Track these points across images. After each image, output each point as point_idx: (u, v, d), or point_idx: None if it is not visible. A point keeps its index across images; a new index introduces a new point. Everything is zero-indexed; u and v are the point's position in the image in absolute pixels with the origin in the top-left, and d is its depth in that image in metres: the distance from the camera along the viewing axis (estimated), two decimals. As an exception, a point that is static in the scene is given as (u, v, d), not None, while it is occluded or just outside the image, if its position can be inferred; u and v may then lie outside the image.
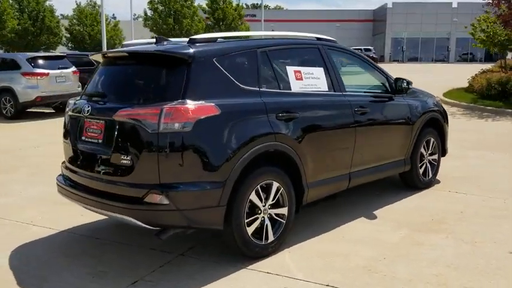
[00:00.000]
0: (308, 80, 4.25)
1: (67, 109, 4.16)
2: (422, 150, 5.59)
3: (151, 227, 3.38)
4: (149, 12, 38.24)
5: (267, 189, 3.77)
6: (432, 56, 64.20)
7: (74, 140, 3.89)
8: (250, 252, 3.70)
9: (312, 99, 4.22)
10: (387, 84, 5.22)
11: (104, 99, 3.75)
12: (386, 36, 62.71)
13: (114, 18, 50.81)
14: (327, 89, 4.41)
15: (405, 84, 5.18)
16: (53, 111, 13.94)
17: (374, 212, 4.90)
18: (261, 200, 3.73)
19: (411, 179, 5.57)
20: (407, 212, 4.90)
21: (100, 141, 3.61)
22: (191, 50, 3.55)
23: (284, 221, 3.92)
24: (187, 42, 3.71)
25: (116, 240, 4.23)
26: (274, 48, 4.10)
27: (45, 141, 9.19)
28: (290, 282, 3.42)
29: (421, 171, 5.62)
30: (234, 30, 38.63)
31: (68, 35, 41.09)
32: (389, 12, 62.52)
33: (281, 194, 3.87)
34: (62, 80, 12.92)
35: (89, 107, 3.65)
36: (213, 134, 3.43)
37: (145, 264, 3.73)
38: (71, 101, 4.11)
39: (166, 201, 3.28)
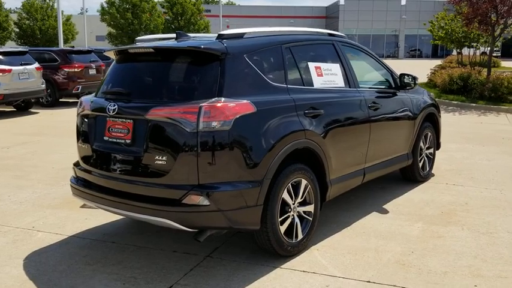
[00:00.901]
0: (327, 76, 4.23)
1: (79, 109, 3.93)
2: (421, 144, 5.72)
3: (190, 229, 3.26)
4: (105, 6, 36.97)
5: (295, 187, 3.72)
6: (383, 52, 66.06)
7: (94, 141, 3.68)
8: (283, 251, 3.64)
9: (333, 96, 4.21)
10: (391, 80, 5.29)
11: (129, 97, 3.55)
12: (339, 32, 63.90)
13: (62, 12, 48.76)
14: (344, 85, 4.42)
15: (411, 79, 5.26)
16: (14, 109, 13.25)
17: (383, 206, 4.96)
18: (291, 198, 3.68)
19: (412, 172, 5.68)
20: (415, 205, 4.99)
21: (128, 141, 3.43)
22: (224, 46, 3.43)
23: (311, 219, 3.89)
24: (217, 38, 3.59)
25: (133, 244, 4.06)
26: (296, 44, 4.05)
27: (15, 142, 8.70)
28: (330, 280, 3.39)
29: (420, 164, 5.75)
30: (194, 26, 38.09)
31: (17, 30, 39.11)
32: (341, 9, 63.79)
33: (308, 191, 3.84)
34: (25, 76, 12.27)
35: (114, 105, 3.45)
36: (250, 132, 3.34)
37: (173, 268, 3.60)
38: (85, 100, 3.89)
39: (207, 202, 3.16)
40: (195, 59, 3.42)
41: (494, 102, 13.24)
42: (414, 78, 5.30)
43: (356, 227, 4.41)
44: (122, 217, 4.65)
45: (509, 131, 9.81)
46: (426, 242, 4.04)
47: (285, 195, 3.60)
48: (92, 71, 14.36)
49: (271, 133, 3.44)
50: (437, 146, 6.20)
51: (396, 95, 5.22)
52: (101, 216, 4.66)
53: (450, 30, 18.76)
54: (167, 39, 4.23)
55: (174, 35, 4.13)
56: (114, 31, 35.63)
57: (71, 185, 3.94)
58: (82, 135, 3.84)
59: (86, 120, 3.81)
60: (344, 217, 4.62)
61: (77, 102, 14.37)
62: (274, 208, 3.49)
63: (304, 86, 3.96)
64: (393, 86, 5.27)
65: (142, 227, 4.43)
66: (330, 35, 4.68)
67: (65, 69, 13.73)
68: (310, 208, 3.88)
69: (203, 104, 3.17)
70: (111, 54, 4.02)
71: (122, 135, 3.47)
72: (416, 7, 62.97)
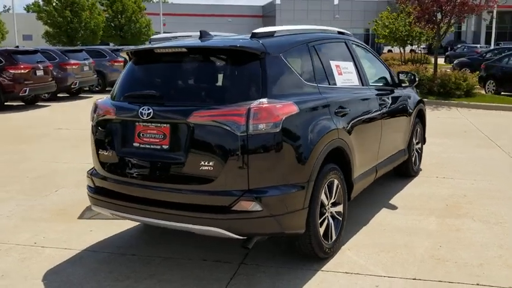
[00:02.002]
0: (346, 74, 4.22)
1: (95, 114, 3.63)
2: (413, 139, 5.86)
3: (240, 237, 3.12)
4: (41, 3, 34.51)
5: (329, 188, 3.67)
6: (318, 50, 67.47)
7: (121, 148, 3.41)
8: (322, 253, 3.58)
9: (354, 94, 4.20)
10: (389, 77, 5.38)
11: (162, 100, 3.32)
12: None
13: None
14: (358, 83, 4.43)
15: (409, 77, 5.37)
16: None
17: (390, 202, 5.04)
18: (327, 199, 3.63)
19: (406, 168, 5.81)
20: (419, 200, 5.11)
21: (165, 147, 3.22)
22: (262, 44, 3.31)
23: (341, 219, 3.86)
24: (251, 37, 3.46)
25: (157, 255, 3.82)
26: (319, 43, 3.99)
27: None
28: (378, 280, 3.37)
29: (412, 159, 5.90)
30: (135, 24, 36.89)
31: None
32: (277, 8, 64.46)
33: (339, 191, 3.80)
34: (-31, 79, 11.33)
35: (149, 110, 3.20)
36: (296, 134, 3.25)
37: (211, 278, 3.42)
38: (104, 104, 3.59)
39: (259, 208, 3.03)
40: (233, 59, 3.27)
41: (443, 97, 13.92)
42: (414, 76, 5.41)
43: (374, 224, 4.44)
44: (129, 227, 4.39)
45: (466, 124, 10.34)
46: (448, 236, 4.13)
47: (323, 197, 3.55)
48: (40, 72, 13.50)
49: (313, 134, 3.37)
50: (424, 141, 6.40)
51: (396, 92, 5.31)
52: (106, 228, 4.37)
53: (394, 29, 19.52)
54: (181, 38, 4.02)
55: (191, 34, 3.95)
56: (52, 30, 33.64)
57: (89, 195, 3.65)
58: (102, 142, 3.55)
59: (107, 126, 3.53)
60: (358, 214, 4.62)
61: (23, 105, 13.36)
62: (315, 210, 3.42)
63: (330, 84, 3.92)
64: (391, 83, 5.36)
65: (155, 236, 4.21)
66: (340, 33, 4.67)
67: (11, 71, 12.78)
68: (340, 208, 3.84)
69: (252, 106, 3.03)
70: (125, 55, 3.76)
71: (157, 140, 3.25)
72: (348, 7, 64.94)
